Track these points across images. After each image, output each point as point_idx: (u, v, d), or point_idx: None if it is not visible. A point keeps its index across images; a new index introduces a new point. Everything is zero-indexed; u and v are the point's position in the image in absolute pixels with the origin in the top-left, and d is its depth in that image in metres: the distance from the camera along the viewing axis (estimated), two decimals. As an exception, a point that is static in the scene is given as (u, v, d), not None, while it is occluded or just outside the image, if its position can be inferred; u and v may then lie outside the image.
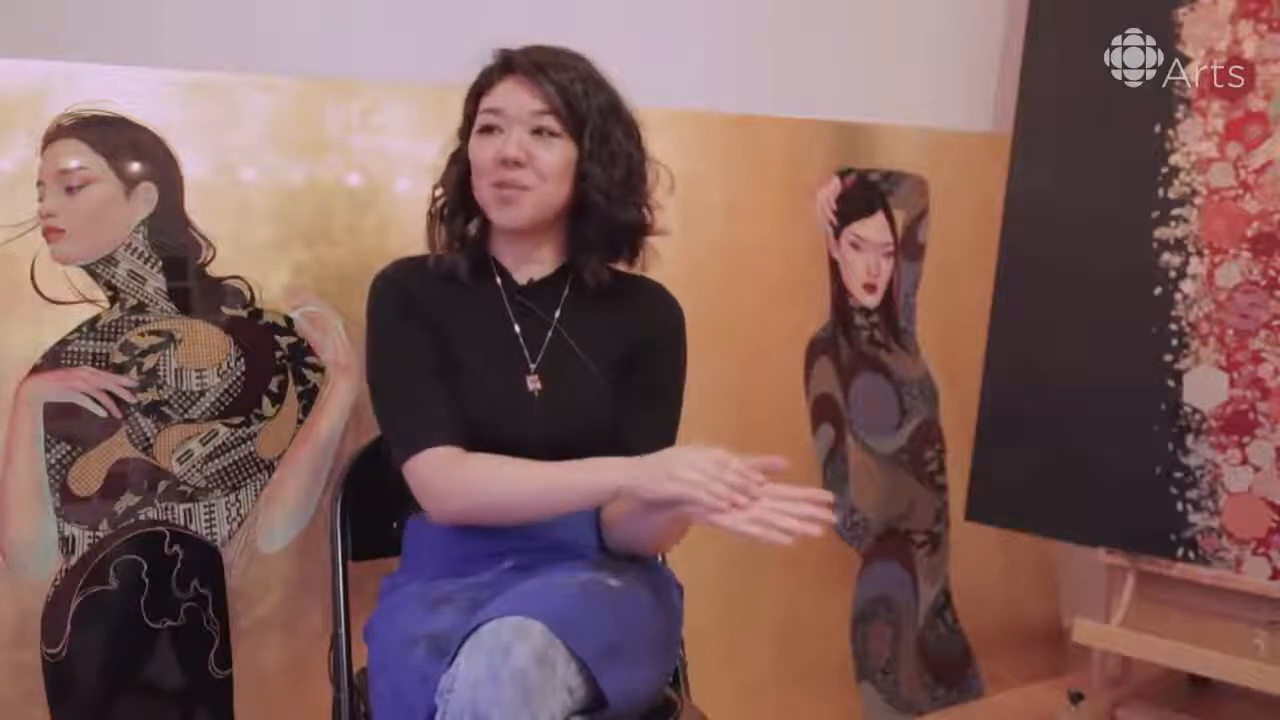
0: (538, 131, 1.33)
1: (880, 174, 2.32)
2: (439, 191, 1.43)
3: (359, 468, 1.53)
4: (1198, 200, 1.96)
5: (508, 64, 1.36)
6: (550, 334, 1.39)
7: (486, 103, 1.36)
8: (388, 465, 1.35)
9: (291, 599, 1.65)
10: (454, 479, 1.29)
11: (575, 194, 1.36)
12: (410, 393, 1.33)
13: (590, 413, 1.37)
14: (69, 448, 1.50)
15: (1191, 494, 1.93)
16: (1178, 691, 2.30)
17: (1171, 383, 1.96)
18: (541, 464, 1.27)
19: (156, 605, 1.55)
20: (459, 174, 1.40)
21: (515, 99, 1.34)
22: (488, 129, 1.35)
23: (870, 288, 2.31)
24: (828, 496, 1.19)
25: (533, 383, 1.37)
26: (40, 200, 1.48)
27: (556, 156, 1.34)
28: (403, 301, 1.37)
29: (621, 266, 1.44)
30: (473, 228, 1.42)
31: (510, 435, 1.32)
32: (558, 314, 1.40)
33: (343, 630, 1.45)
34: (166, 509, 1.56)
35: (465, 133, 1.40)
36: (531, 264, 1.41)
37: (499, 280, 1.41)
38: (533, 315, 1.40)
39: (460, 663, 1.08)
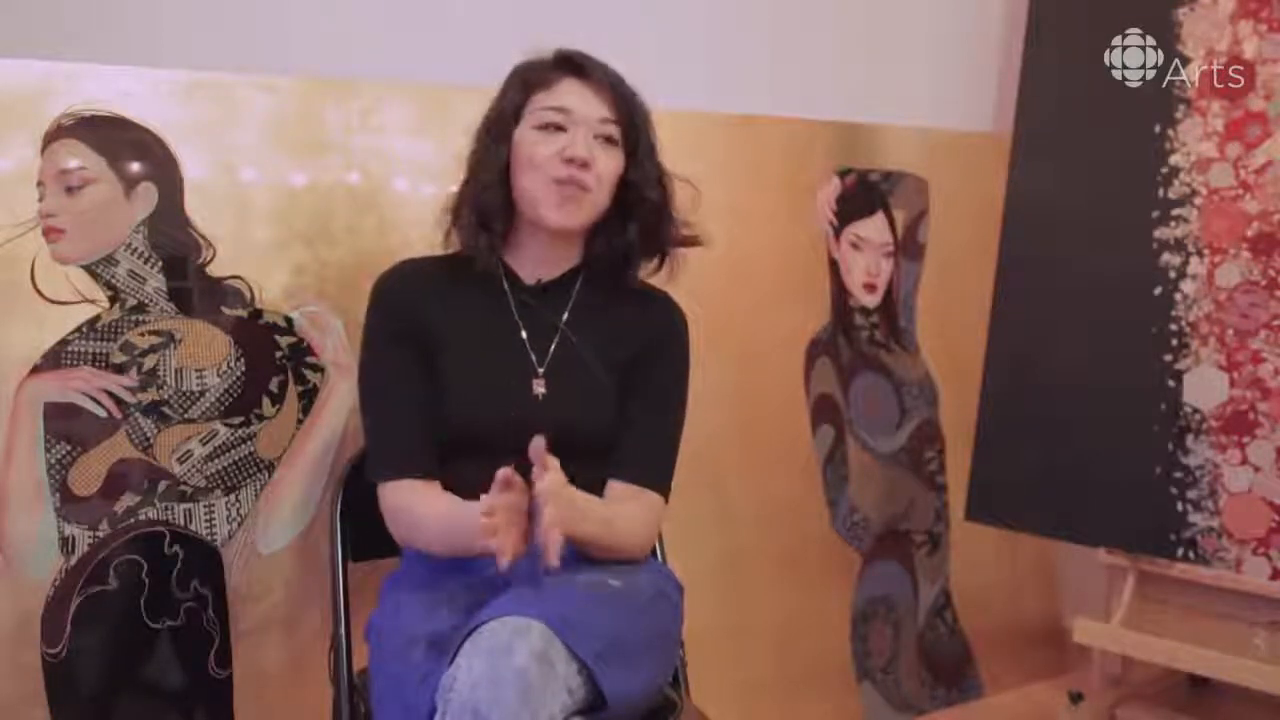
0: (599, 138, 1.34)
1: (880, 174, 2.32)
2: (477, 190, 1.37)
3: (359, 468, 1.52)
4: (1198, 200, 1.96)
5: (574, 66, 1.36)
6: (557, 337, 1.39)
7: (550, 100, 1.34)
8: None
9: (291, 599, 1.65)
10: (407, 522, 1.33)
11: (613, 202, 1.38)
12: (387, 420, 1.36)
13: (595, 416, 1.37)
14: (69, 448, 1.50)
15: (1191, 494, 1.93)
16: (1178, 691, 2.30)
17: (1171, 383, 1.96)
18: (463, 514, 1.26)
19: (156, 605, 1.55)
20: (501, 173, 1.36)
21: (586, 103, 1.34)
22: (550, 127, 1.34)
23: (870, 288, 2.31)
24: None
25: (539, 386, 1.37)
26: (40, 200, 1.48)
27: (613, 166, 1.36)
28: (395, 318, 1.37)
29: (651, 273, 1.45)
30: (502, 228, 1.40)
31: (515, 439, 1.32)
32: (565, 316, 1.40)
33: (343, 630, 1.44)
34: (166, 509, 1.56)
35: (504, 128, 1.36)
36: (543, 264, 1.41)
37: (505, 283, 1.41)
38: (539, 317, 1.40)
39: (460, 662, 1.08)
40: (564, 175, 1.32)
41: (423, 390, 1.35)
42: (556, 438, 1.33)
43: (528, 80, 1.37)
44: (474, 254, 1.37)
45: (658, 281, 1.46)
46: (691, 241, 1.44)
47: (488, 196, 1.36)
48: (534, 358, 1.38)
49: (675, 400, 1.43)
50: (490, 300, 1.39)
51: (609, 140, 1.35)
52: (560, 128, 1.33)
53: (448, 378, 1.35)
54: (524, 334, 1.39)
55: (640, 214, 1.38)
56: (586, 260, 1.42)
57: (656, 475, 1.39)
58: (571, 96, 1.34)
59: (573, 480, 1.34)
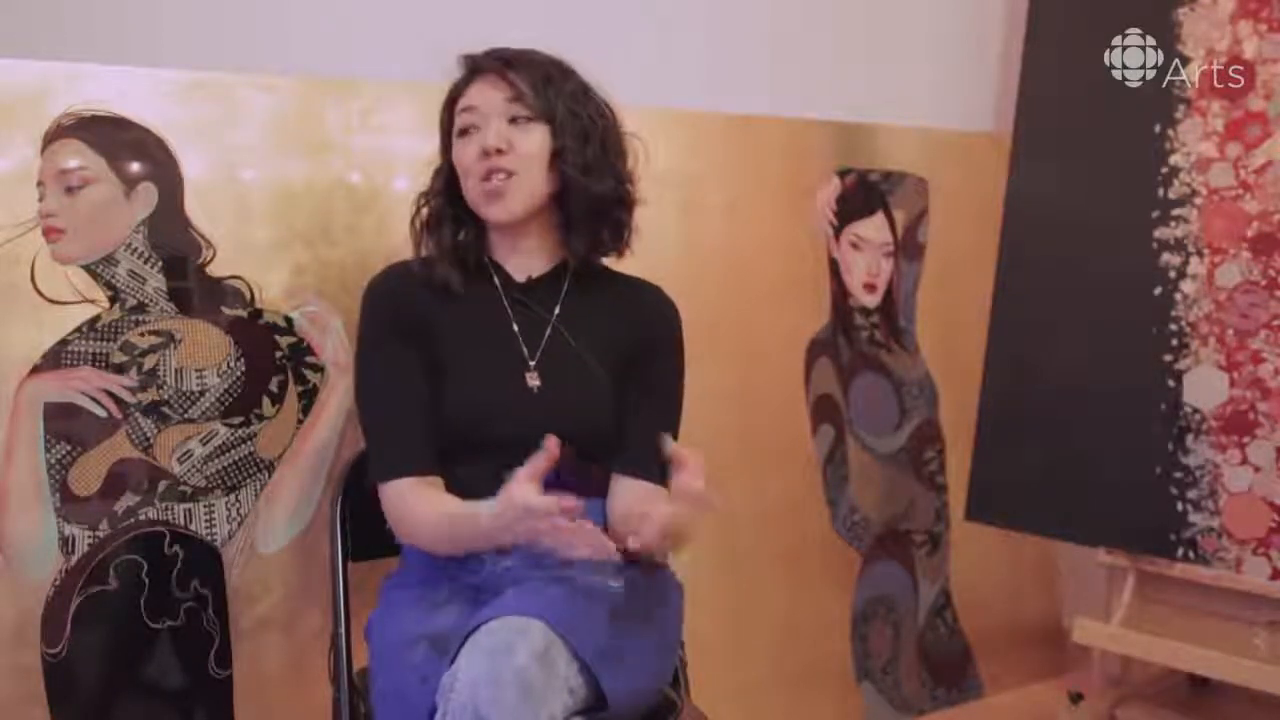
0: (513, 121, 1.35)
1: (880, 174, 2.32)
2: (422, 201, 1.44)
3: (359, 468, 1.52)
4: (1198, 200, 1.96)
5: (474, 67, 1.39)
6: (549, 331, 1.40)
7: (460, 105, 1.39)
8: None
9: (291, 599, 1.65)
10: (410, 522, 1.33)
11: (557, 179, 1.37)
12: (387, 418, 1.36)
13: (589, 409, 1.37)
14: (69, 448, 1.50)
15: (1191, 494, 1.93)
16: (1178, 691, 2.30)
17: (1171, 383, 1.96)
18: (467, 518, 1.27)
19: (156, 605, 1.55)
20: (445, 183, 1.42)
21: (486, 95, 1.37)
22: (465, 130, 1.37)
23: (870, 288, 2.31)
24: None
25: (532, 379, 1.37)
26: (40, 200, 1.48)
27: (535, 140, 1.36)
28: (390, 317, 1.38)
29: (611, 256, 1.45)
30: (465, 235, 1.42)
31: (511, 432, 1.32)
32: (557, 310, 1.41)
33: (343, 630, 1.44)
34: (166, 509, 1.56)
35: (446, 144, 1.42)
36: (528, 260, 1.42)
37: (496, 279, 1.41)
38: (531, 312, 1.40)
39: (461, 662, 1.08)
40: (483, 170, 1.35)
41: (421, 387, 1.35)
42: (552, 430, 1.33)
43: (450, 97, 1.42)
44: (454, 284, 1.39)
45: (624, 257, 1.45)
46: (631, 200, 1.42)
47: (433, 218, 1.41)
48: (526, 351, 1.39)
49: (676, 393, 1.44)
50: (482, 299, 1.40)
51: (523, 119, 1.36)
52: (474, 127, 1.36)
53: (443, 373, 1.36)
54: (515, 327, 1.39)
55: (571, 180, 1.37)
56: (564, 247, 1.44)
57: (663, 470, 1.39)
58: (475, 96, 1.37)
59: (569, 476, 1.35)
